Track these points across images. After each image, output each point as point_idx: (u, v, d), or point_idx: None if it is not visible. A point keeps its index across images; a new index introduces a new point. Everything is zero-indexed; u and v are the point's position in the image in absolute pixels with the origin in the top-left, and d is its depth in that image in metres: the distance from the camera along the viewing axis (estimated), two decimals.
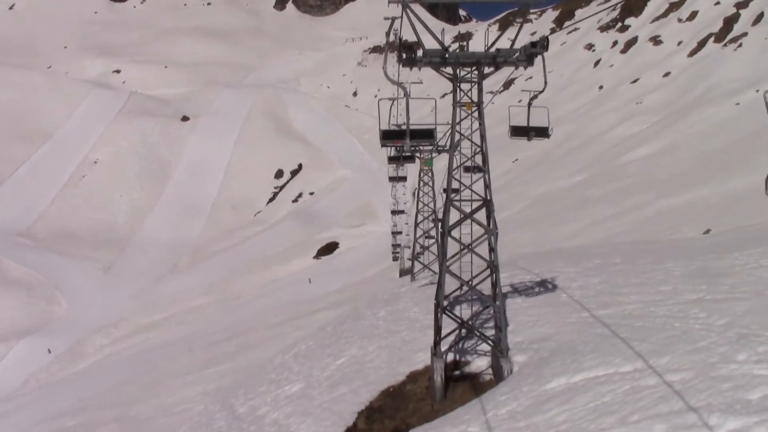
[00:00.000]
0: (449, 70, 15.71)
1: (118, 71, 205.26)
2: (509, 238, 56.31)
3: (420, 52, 15.09)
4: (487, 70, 15.72)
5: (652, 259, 23.12)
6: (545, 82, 17.59)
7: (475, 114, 15.82)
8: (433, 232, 38.46)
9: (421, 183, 35.65)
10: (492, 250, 16.14)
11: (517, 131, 17.86)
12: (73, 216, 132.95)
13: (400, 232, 62.25)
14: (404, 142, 16.16)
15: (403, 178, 43.12)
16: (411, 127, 15.95)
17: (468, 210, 16.22)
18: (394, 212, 59.19)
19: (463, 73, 15.72)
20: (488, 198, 15.99)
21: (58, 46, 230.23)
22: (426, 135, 16.47)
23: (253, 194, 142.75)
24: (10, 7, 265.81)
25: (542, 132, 17.92)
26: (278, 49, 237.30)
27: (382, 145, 16.71)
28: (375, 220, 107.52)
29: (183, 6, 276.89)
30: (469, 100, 15.78)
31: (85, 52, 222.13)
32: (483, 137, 15.93)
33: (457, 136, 16.03)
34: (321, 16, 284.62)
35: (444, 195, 34.00)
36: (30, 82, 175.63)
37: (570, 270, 23.95)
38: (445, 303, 16.75)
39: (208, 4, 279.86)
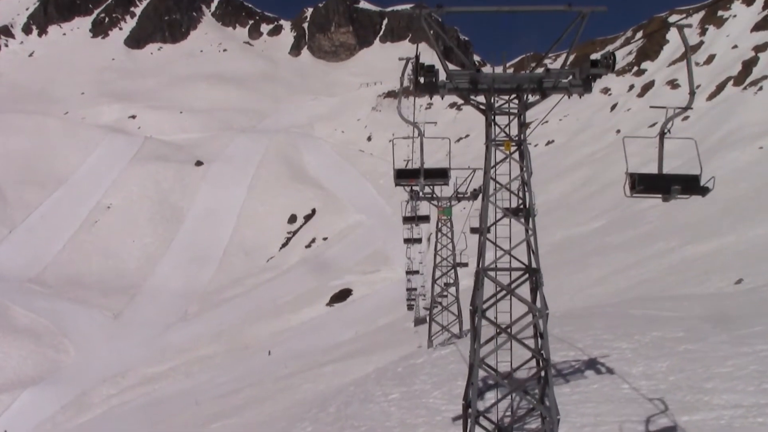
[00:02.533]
0: (481, 98, 12.71)
1: (133, 117, 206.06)
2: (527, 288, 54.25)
3: (443, 76, 12.20)
4: (530, 98, 12.58)
5: (727, 336, 18.85)
6: (692, 92, 12.17)
7: (516, 155, 12.70)
8: (450, 287, 35.08)
9: (439, 234, 31.99)
10: (540, 336, 12.67)
11: (646, 185, 12.32)
12: (85, 262, 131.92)
13: (415, 289, 60.44)
14: (418, 181, 15.33)
15: (418, 240, 42.18)
16: (425, 167, 15.26)
17: (508, 282, 12.87)
18: (408, 272, 57.79)
19: (499, 102, 12.65)
20: (534, 266, 12.65)
21: (75, 93, 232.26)
22: (440, 174, 15.54)
23: (266, 240, 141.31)
24: (30, 55, 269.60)
25: (692, 185, 12.36)
26: (292, 95, 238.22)
27: (397, 185, 15.97)
28: (389, 267, 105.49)
29: (199, 53, 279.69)
30: (507, 138, 12.66)
31: (102, 98, 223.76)
32: (527, 185, 12.63)
33: (492, 185, 12.66)
34: (336, 61, 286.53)
35: (466, 235, 31.21)
36: (45, 128, 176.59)
37: (623, 346, 19.76)
38: (479, 406, 13.25)
39: (224, 50, 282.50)
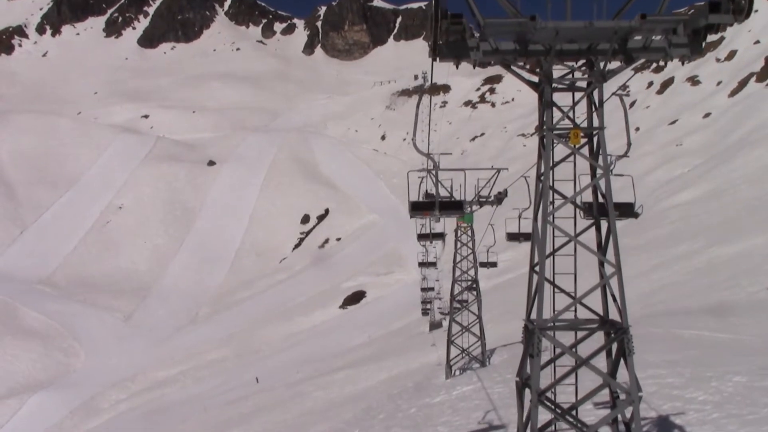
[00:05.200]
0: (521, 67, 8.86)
1: (146, 116, 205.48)
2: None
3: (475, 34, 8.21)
4: (609, 65, 8.61)
5: None
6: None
7: (585, 150, 9.01)
8: (472, 304, 29.99)
9: (458, 243, 28.18)
10: (626, 426, 9.10)
11: None
12: (95, 263, 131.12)
13: (430, 301, 58.77)
14: (433, 213, 14.53)
15: (433, 264, 41.07)
16: (441, 199, 14.54)
17: (572, 343, 9.58)
18: (424, 289, 56.25)
19: (560, 71, 8.78)
20: (618, 321, 8.86)
21: (88, 92, 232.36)
22: (455, 207, 14.76)
23: (278, 240, 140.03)
24: (43, 55, 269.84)
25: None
26: (306, 94, 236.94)
27: (412, 216, 15.11)
28: (403, 268, 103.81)
29: (212, 52, 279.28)
30: (573, 125, 8.90)
31: (115, 98, 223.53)
32: (606, 197, 8.88)
33: (549, 195, 8.89)
34: (349, 60, 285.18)
35: (493, 227, 27.81)
36: (58, 128, 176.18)
37: (699, 397, 14.99)
38: None
39: (237, 49, 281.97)
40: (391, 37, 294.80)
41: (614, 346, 9.04)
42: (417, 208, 14.49)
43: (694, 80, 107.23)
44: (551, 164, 8.72)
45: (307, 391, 44.88)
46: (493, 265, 32.57)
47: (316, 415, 35.99)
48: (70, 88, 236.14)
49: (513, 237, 22.88)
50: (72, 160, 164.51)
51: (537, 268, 8.77)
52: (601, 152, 8.76)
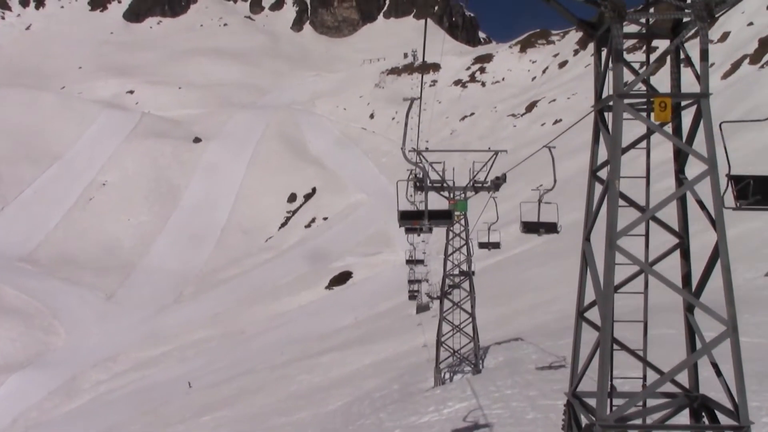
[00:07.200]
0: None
1: (131, 92, 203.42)
2: (534, 273, 51.98)
3: None
4: None
5: None
6: None
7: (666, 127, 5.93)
8: (464, 301, 26.18)
9: (450, 234, 25.31)
10: None
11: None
12: (78, 240, 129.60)
13: (419, 280, 57.33)
14: (422, 223, 14.28)
15: (421, 261, 42.40)
16: (429, 208, 14.39)
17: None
18: (411, 281, 54.97)
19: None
20: (726, 408, 6.14)
21: (72, 67, 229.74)
22: (444, 216, 14.67)
23: (265, 219, 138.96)
24: (27, 28, 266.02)
25: None
26: (294, 71, 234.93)
27: (400, 226, 14.85)
28: (390, 249, 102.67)
29: (199, 27, 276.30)
30: (648, 91, 5.80)
31: (100, 73, 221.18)
32: (715, 201, 6.12)
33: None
34: (338, 37, 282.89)
35: (495, 200, 23.61)
36: (41, 103, 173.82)
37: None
38: None
39: (225, 25, 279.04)
40: (381, 14, 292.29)
41: None
42: (406, 218, 14.21)
43: (685, 63, 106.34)
44: (620, 153, 5.40)
45: (292, 375, 44.35)
46: (496, 246, 26.26)
47: (301, 400, 35.31)
48: (53, 63, 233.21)
49: (530, 228, 18.23)
50: (55, 135, 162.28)
51: (588, 314, 5.82)
52: (703, 132, 5.24)
